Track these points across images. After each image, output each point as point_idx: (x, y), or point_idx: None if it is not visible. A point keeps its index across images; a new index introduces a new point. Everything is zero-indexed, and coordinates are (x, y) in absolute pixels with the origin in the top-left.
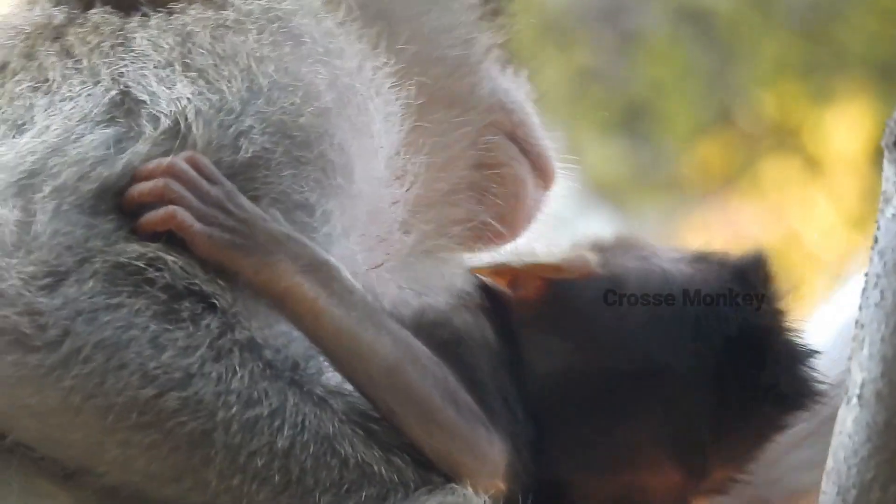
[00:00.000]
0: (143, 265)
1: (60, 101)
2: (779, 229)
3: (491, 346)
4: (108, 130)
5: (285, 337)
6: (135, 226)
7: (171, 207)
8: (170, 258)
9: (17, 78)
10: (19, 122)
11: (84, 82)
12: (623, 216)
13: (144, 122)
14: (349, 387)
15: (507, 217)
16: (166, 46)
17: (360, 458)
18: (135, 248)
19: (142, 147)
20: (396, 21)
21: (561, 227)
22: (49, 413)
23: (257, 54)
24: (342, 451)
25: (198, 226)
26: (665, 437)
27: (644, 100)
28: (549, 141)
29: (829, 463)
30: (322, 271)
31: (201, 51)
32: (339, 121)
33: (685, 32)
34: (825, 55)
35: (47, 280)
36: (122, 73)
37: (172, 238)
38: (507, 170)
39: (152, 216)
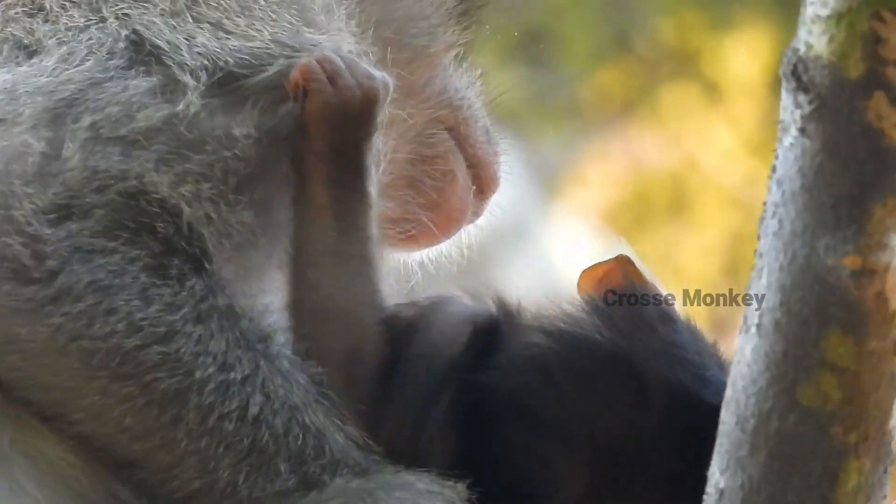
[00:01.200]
0: (156, 208)
1: (67, 29)
2: (678, 156)
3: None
4: (152, 79)
5: (260, 310)
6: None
7: (306, 60)
8: (188, 210)
9: (6, 2)
10: (25, 43)
11: (86, 16)
12: (522, 143)
13: (177, 72)
14: (309, 364)
15: (437, 212)
16: None
17: (320, 427)
18: (165, 186)
19: (188, 98)
20: (373, 2)
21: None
22: (35, 351)
23: (270, 12)
24: (306, 420)
25: (325, 81)
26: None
27: (542, 25)
28: (491, 146)
29: (728, 392)
30: (352, 197)
31: (211, 3)
32: None
33: None
34: None
35: (56, 213)
36: (126, 13)
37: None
38: (441, 162)
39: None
